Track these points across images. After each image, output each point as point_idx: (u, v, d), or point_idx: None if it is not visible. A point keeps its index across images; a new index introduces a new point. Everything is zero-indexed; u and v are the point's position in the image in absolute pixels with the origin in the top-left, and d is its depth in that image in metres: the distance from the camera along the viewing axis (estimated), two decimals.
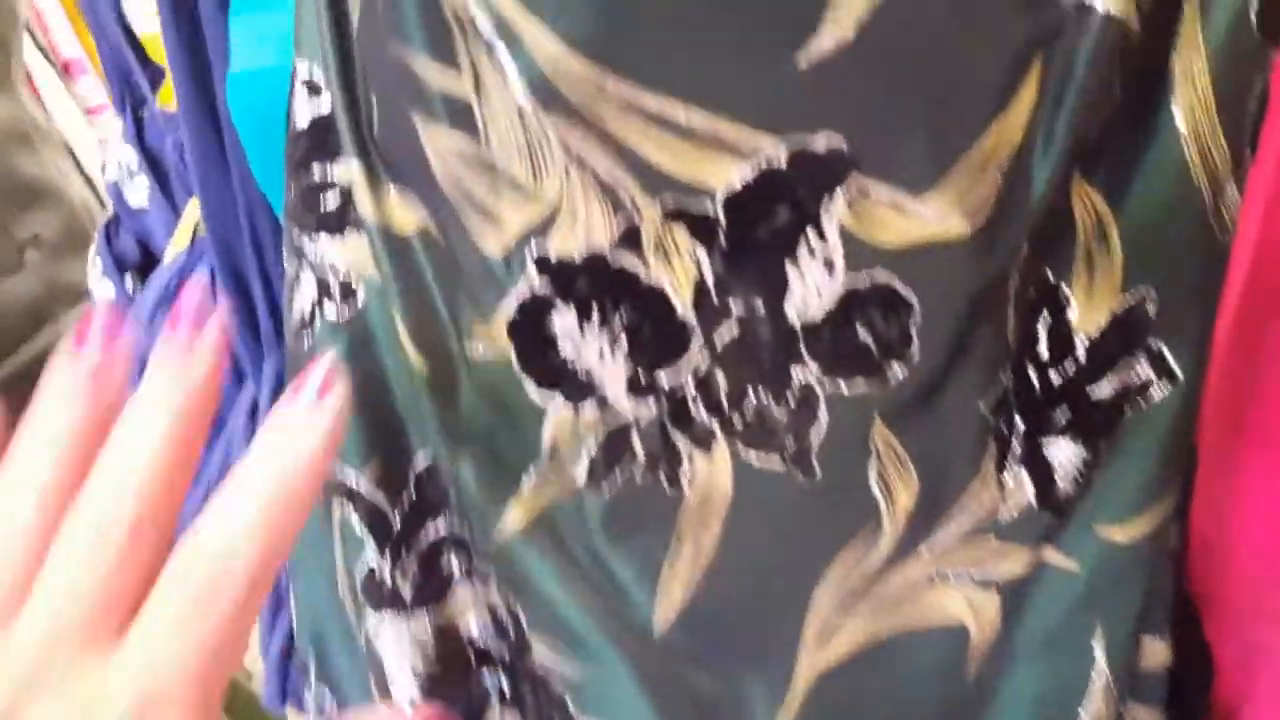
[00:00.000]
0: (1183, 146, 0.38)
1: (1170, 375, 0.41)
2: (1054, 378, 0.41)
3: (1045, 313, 0.40)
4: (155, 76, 0.76)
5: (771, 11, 0.32)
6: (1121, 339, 0.41)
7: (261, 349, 0.60)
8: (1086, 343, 0.40)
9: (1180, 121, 0.38)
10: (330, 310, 0.42)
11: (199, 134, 0.51)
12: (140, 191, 0.78)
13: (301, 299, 0.43)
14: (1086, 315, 0.40)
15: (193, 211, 0.73)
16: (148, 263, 0.82)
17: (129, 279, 0.83)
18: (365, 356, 0.42)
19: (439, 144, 0.34)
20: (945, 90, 0.34)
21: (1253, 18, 0.37)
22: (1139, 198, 0.39)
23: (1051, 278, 0.40)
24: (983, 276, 0.37)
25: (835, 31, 0.32)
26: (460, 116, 0.34)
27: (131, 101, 0.75)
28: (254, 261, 0.55)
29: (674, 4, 0.32)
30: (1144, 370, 0.41)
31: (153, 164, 0.76)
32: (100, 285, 0.83)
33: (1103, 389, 0.41)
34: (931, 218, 0.35)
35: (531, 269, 0.35)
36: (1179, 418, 0.42)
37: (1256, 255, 0.46)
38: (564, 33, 0.32)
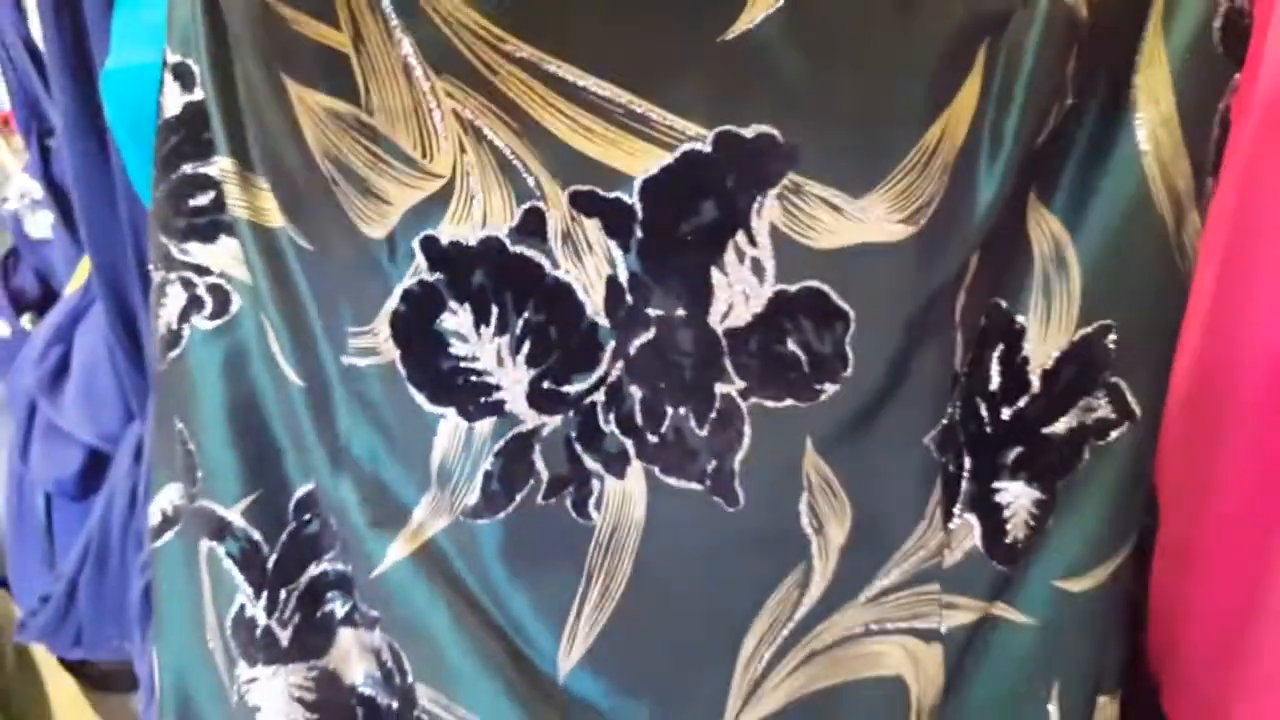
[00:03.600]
0: (1144, 168, 0.36)
1: (1129, 413, 0.38)
2: (1006, 413, 0.37)
3: (999, 343, 0.37)
4: None
5: None
6: (1079, 373, 0.37)
7: (147, 383, 0.54)
8: (1041, 376, 0.37)
9: (1143, 140, 0.36)
10: (201, 320, 0.38)
11: (81, 143, 0.47)
12: (43, 224, 0.74)
13: (168, 311, 0.38)
14: (1042, 347, 0.37)
15: None
16: (46, 299, 0.77)
17: (26, 318, 0.78)
18: (240, 373, 0.38)
19: (312, 107, 0.31)
20: (883, 77, 0.31)
21: (1216, 35, 0.35)
22: (1098, 222, 0.37)
23: (1005, 306, 0.37)
24: (925, 289, 0.34)
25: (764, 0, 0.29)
26: (336, 75, 0.30)
27: (38, 130, 0.71)
28: (138, 281, 0.50)
29: None
30: (1102, 408, 0.38)
31: (57, 196, 0.72)
32: None
33: (1058, 427, 0.38)
34: (870, 219, 0.32)
35: (419, 255, 0.31)
36: (1136, 459, 0.38)
37: (1214, 306, 0.43)
38: None
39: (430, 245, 0.31)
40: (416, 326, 0.32)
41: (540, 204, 0.31)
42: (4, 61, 0.72)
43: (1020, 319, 0.37)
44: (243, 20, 0.32)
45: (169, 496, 0.42)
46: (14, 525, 0.76)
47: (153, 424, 0.42)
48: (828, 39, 0.30)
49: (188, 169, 0.37)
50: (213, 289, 0.38)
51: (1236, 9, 0.36)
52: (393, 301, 0.32)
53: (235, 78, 0.35)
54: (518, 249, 0.31)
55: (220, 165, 0.36)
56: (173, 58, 0.37)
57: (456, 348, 0.32)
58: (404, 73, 0.29)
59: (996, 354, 0.37)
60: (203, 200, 0.37)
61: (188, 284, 0.38)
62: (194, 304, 0.38)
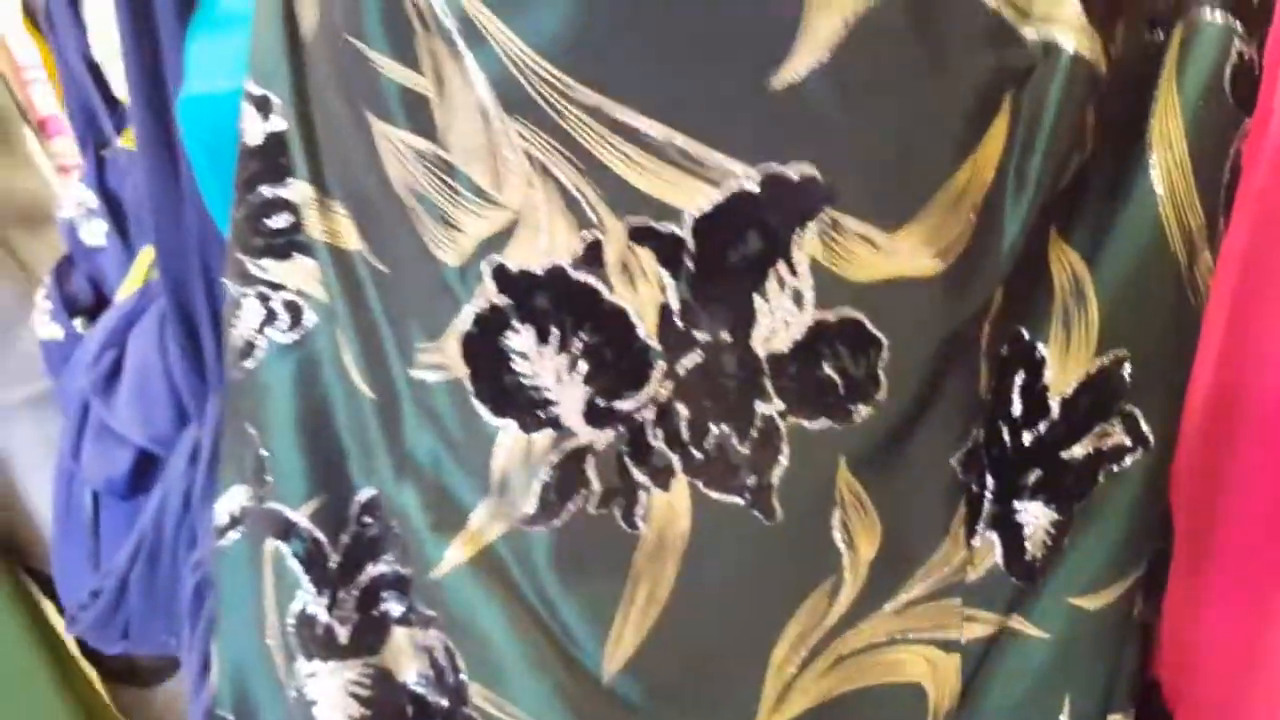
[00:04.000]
0: (1159, 208, 0.39)
1: (1143, 440, 0.40)
2: (1027, 438, 0.40)
3: (1021, 371, 0.39)
4: (120, 118, 0.75)
5: (747, 31, 0.32)
6: (1095, 401, 0.40)
7: (207, 388, 0.57)
8: (1060, 403, 0.39)
9: (1157, 183, 0.38)
10: (275, 333, 0.41)
11: (155, 163, 0.50)
12: (97, 232, 0.77)
13: (244, 324, 0.41)
14: (1061, 376, 0.39)
15: (147, 255, 0.72)
16: (99, 305, 0.80)
17: (79, 322, 0.81)
18: (312, 383, 0.40)
19: (394, 143, 0.33)
20: (916, 122, 0.33)
21: (1226, 84, 0.38)
22: (1115, 258, 0.39)
23: (1027, 336, 0.39)
24: (953, 319, 0.36)
25: (810, 53, 0.32)
26: (418, 114, 0.33)
27: (94, 141, 0.74)
28: (204, 297, 0.53)
29: (645, 14, 0.31)
30: (1117, 434, 0.40)
31: (111, 205, 0.75)
32: (49, 329, 0.80)
33: (1076, 452, 0.40)
34: (903, 254, 0.34)
35: (489, 281, 0.34)
36: (1149, 484, 0.41)
37: (1225, 345, 0.45)
38: (531, 33, 0.31)
39: (500, 272, 0.34)
40: (484, 345, 0.35)
41: (600, 235, 0.34)
42: (63, 77, 0.75)
43: (1041, 348, 0.39)
44: (329, 61, 0.35)
45: (236, 498, 0.44)
46: (61, 522, 0.79)
47: (223, 429, 0.45)
48: (866, 90, 0.32)
49: (266, 193, 0.40)
50: (287, 304, 0.41)
51: (1246, 60, 0.38)
52: (463, 322, 0.35)
53: (314, 110, 0.38)
54: (578, 276, 0.34)
55: (299, 191, 0.39)
56: (255, 90, 0.40)
57: (519, 365, 0.35)
58: (480, 114, 0.32)
59: (1018, 381, 0.39)
60: (280, 222, 0.40)
61: (264, 299, 0.41)
62: (270, 318, 0.41)
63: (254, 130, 0.40)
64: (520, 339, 0.34)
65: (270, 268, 0.40)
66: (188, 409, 0.65)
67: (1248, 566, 0.47)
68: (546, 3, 0.31)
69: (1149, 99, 0.38)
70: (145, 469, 0.70)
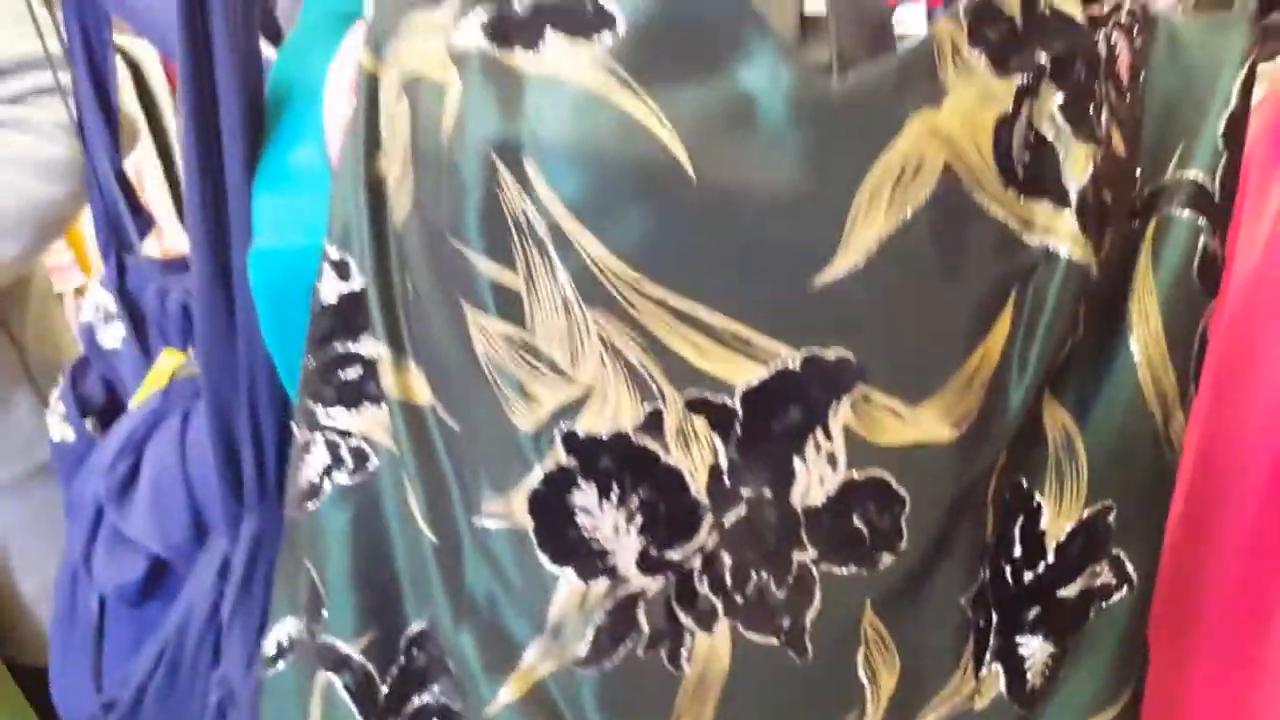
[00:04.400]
0: (1138, 375, 0.44)
1: (1128, 580, 0.45)
2: (1027, 577, 0.44)
3: (1021, 517, 0.44)
4: (143, 224, 0.78)
5: (795, 244, 0.36)
6: (1086, 545, 0.44)
7: (242, 508, 0.59)
8: (1056, 547, 0.44)
9: (1136, 353, 0.44)
10: (341, 476, 0.44)
11: (210, 294, 0.53)
12: (115, 336, 0.79)
13: (310, 467, 0.44)
14: (1056, 522, 0.44)
15: (169, 361, 0.74)
16: (111, 406, 0.81)
17: (89, 422, 0.82)
18: (370, 524, 0.44)
19: (485, 329, 0.37)
20: (935, 318, 0.38)
21: (1194, 273, 0.44)
22: (1101, 418, 0.44)
23: (1025, 484, 0.44)
24: (966, 477, 0.41)
25: (849, 258, 0.36)
26: (509, 305, 0.37)
27: (117, 245, 0.77)
28: (247, 421, 0.56)
29: (710, 230, 0.36)
30: (1106, 575, 0.45)
31: (130, 309, 0.77)
32: (61, 430, 0.82)
33: (1070, 590, 0.44)
34: (924, 423, 0.39)
35: (559, 445, 0.38)
36: (1135, 617, 0.45)
37: (1193, 481, 0.51)
38: (611, 240, 0.36)
39: (571, 438, 0.38)
40: (551, 502, 0.38)
41: (661, 405, 0.38)
42: (91, 182, 0.78)
43: (1038, 496, 0.44)
44: (423, 248, 0.39)
45: (286, 629, 0.47)
46: (64, 626, 0.79)
47: (279, 561, 0.47)
48: (893, 292, 0.37)
49: (339, 348, 0.43)
50: (354, 450, 0.44)
51: (1210, 252, 0.44)
52: (533, 481, 0.38)
53: (395, 279, 0.42)
54: (640, 441, 0.38)
55: (375, 349, 0.42)
56: (334, 253, 0.43)
57: (581, 519, 0.38)
58: (563, 304, 0.36)
59: (1018, 526, 0.44)
60: (352, 374, 0.43)
61: (332, 446, 0.44)
62: (336, 463, 0.44)
63: (330, 290, 0.43)
64: (584, 496, 0.38)
65: (339, 416, 0.44)
66: (206, 520, 0.66)
67: (1229, 629, 0.51)
68: (627, 217, 0.35)
69: (1129, 279, 0.44)
70: (157, 576, 0.71)
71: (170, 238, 1.15)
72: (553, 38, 0.35)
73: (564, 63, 0.35)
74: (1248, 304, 0.54)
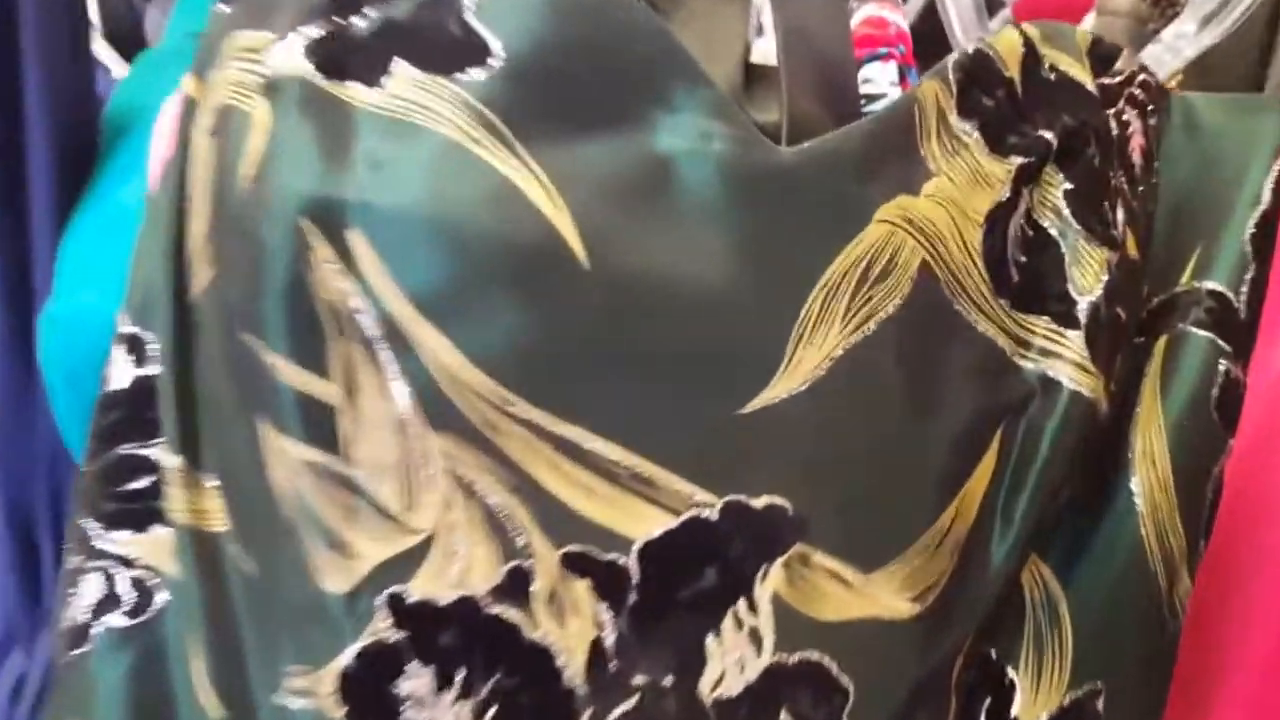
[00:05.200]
0: (1139, 527, 0.36)
1: None
2: None
3: (989, 699, 0.36)
4: None
5: (722, 351, 0.29)
6: None
7: (38, 617, 0.49)
8: None
9: (1139, 501, 0.36)
10: (117, 617, 0.34)
11: (6, 358, 0.44)
12: None
13: (81, 599, 0.34)
14: (1030, 709, 0.36)
15: None
16: None
17: None
18: (152, 678, 0.33)
19: (284, 455, 0.28)
20: (899, 461, 0.31)
21: (1213, 404, 0.36)
22: (1092, 579, 0.36)
23: (995, 656, 0.36)
24: (928, 661, 0.33)
25: (791, 380, 0.29)
26: (317, 427, 0.28)
27: None
28: (48, 518, 0.46)
29: (607, 333, 0.28)
30: None
31: None
32: None
33: None
34: (878, 596, 0.31)
35: (383, 612, 0.28)
36: None
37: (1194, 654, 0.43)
38: (469, 344, 0.27)
39: (396, 603, 0.28)
40: (368, 689, 0.29)
41: (527, 564, 0.29)
42: None
43: (1011, 672, 0.36)
44: (216, 333, 0.30)
45: None
46: None
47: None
48: (843, 426, 0.30)
49: (125, 449, 0.34)
50: (135, 583, 0.34)
51: (1233, 379, 0.37)
52: (344, 659, 0.29)
53: (195, 372, 0.32)
54: (494, 610, 0.29)
55: (164, 459, 0.33)
56: (127, 327, 0.34)
57: (410, 713, 0.29)
58: (397, 428, 0.27)
59: (984, 709, 0.36)
60: (140, 484, 0.34)
61: (107, 577, 0.34)
62: (110, 600, 0.34)
63: (122, 374, 0.34)
64: (414, 682, 0.29)
65: (120, 539, 0.34)
66: (8, 636, 0.56)
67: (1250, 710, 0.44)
68: (493, 315, 0.27)
69: (1130, 409, 0.37)
70: None
71: None
72: (402, 70, 0.27)
73: (415, 103, 0.27)
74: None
